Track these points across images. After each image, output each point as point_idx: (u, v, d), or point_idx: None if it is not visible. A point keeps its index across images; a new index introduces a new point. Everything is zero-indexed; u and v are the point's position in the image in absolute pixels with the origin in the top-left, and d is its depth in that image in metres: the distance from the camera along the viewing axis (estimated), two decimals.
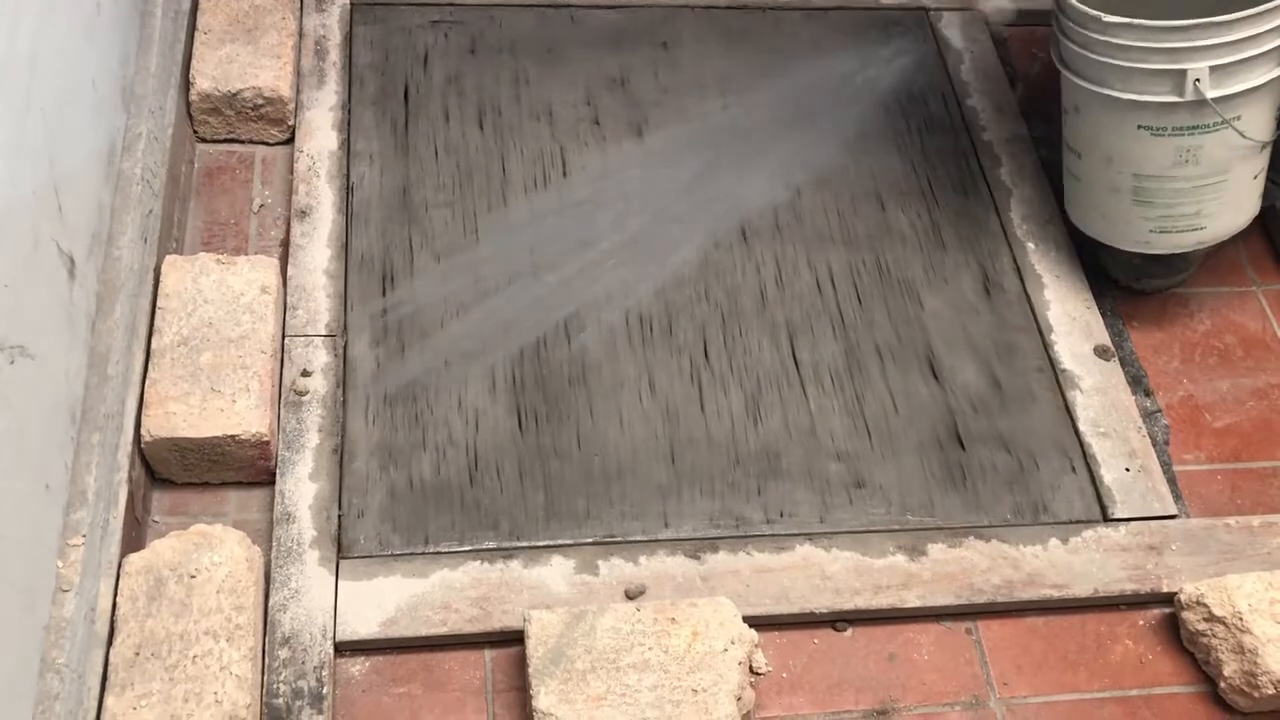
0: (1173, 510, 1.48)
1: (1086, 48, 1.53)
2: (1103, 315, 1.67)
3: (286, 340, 1.50)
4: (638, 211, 1.70)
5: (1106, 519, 1.47)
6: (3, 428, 1.07)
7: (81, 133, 1.36)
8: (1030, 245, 1.72)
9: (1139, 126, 1.54)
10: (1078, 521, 1.47)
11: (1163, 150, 1.54)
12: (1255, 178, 1.59)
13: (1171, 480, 1.53)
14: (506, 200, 1.69)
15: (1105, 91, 1.53)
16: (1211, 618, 1.34)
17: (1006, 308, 1.66)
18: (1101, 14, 1.51)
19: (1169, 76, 1.49)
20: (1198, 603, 1.36)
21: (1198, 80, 1.47)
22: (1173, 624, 1.40)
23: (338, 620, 1.29)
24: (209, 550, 1.27)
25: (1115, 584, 1.41)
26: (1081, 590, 1.40)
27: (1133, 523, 1.47)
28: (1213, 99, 1.48)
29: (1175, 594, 1.40)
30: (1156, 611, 1.42)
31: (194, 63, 1.70)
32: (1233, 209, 1.60)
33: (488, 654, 1.32)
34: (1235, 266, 1.77)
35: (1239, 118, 1.51)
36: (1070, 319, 1.65)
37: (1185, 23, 1.46)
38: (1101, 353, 1.62)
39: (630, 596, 1.34)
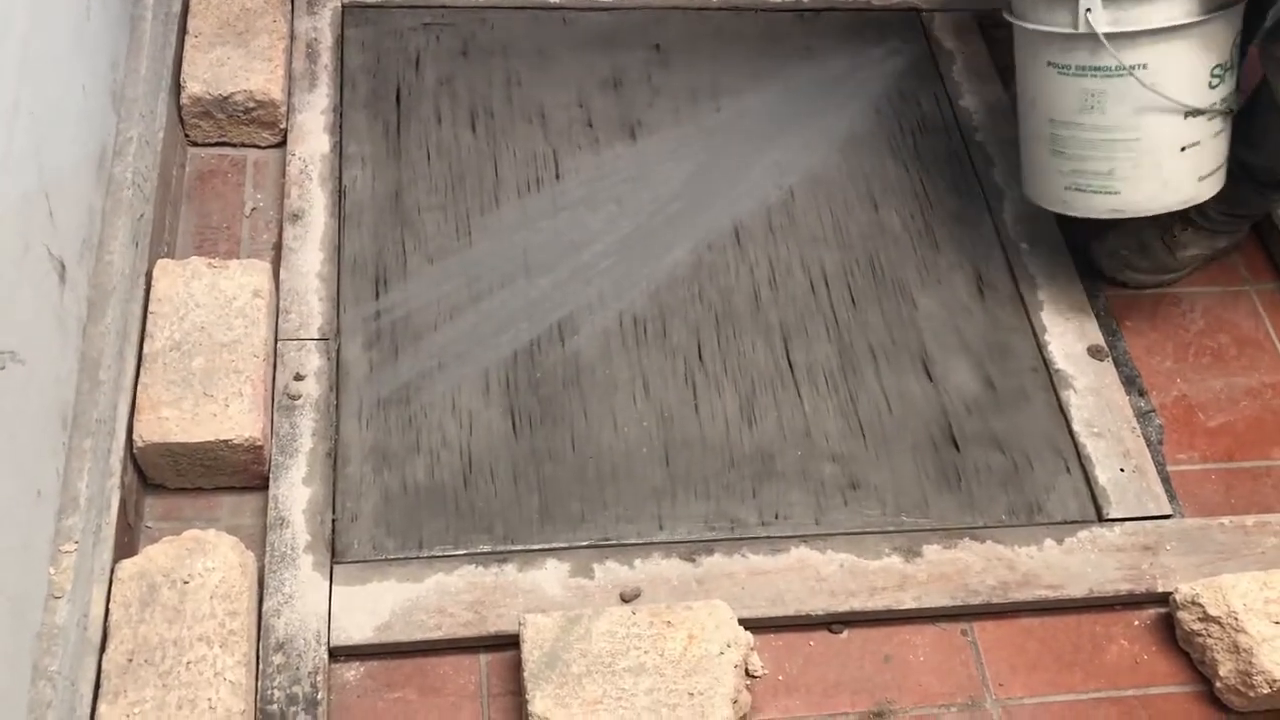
0: (1167, 510, 1.48)
1: None
2: (1096, 316, 1.67)
3: (279, 344, 1.49)
4: (631, 213, 1.70)
5: (1101, 519, 1.47)
6: None
7: (71, 137, 1.35)
8: (1023, 246, 1.73)
9: (1048, 63, 1.50)
10: (1072, 522, 1.47)
11: (1069, 92, 1.49)
12: (1184, 150, 1.49)
13: (1166, 480, 1.53)
14: (499, 202, 1.69)
15: (1021, 24, 1.52)
16: (1206, 617, 1.34)
17: (1000, 308, 1.66)
18: None
19: (1066, 6, 1.44)
20: (1193, 603, 1.36)
21: (1089, 11, 1.42)
22: (1168, 624, 1.41)
23: (332, 625, 1.29)
24: (202, 556, 1.27)
25: (1110, 584, 1.41)
26: (1077, 591, 1.40)
27: (1127, 523, 1.47)
28: (1106, 34, 1.42)
29: (1170, 594, 1.40)
30: (1152, 611, 1.42)
31: (185, 66, 1.69)
32: (1153, 180, 1.51)
33: (483, 658, 1.31)
34: (1228, 266, 1.78)
35: (1144, 66, 1.44)
36: (1064, 319, 1.65)
37: None
38: (1095, 353, 1.62)
39: (625, 600, 1.34)
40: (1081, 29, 1.44)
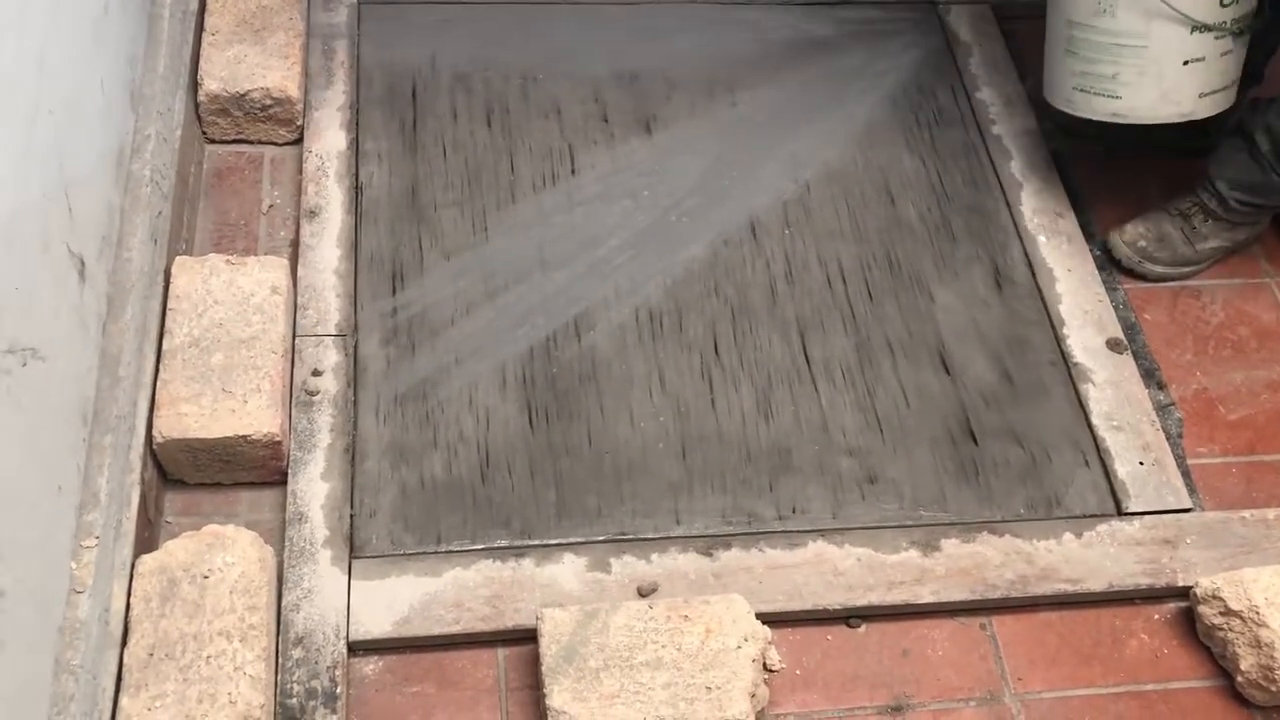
0: (1187, 504, 1.47)
1: None
2: (1115, 309, 1.66)
3: (297, 340, 1.50)
4: (646, 208, 1.70)
5: (1120, 513, 1.46)
6: (15, 430, 1.07)
7: (90, 135, 1.36)
8: (1041, 239, 1.72)
9: None
10: (1091, 516, 1.46)
11: None
12: (1187, 64, 1.53)
13: (1186, 474, 1.52)
14: (515, 198, 1.69)
15: None
16: (1228, 611, 1.34)
17: (1018, 301, 1.65)
18: None
19: None
20: (1213, 596, 1.35)
21: None
22: (1188, 618, 1.40)
23: (350, 620, 1.29)
24: (221, 550, 1.27)
25: (1130, 578, 1.40)
26: (1096, 585, 1.39)
27: (1147, 516, 1.46)
28: None
29: (1190, 588, 1.39)
30: (1172, 605, 1.41)
31: (202, 64, 1.70)
32: (1155, 89, 1.55)
33: (500, 652, 1.31)
34: (1248, 258, 1.76)
35: None
36: (1082, 312, 1.64)
37: None
38: (1114, 346, 1.61)
39: (643, 594, 1.34)
40: None
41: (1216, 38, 1.52)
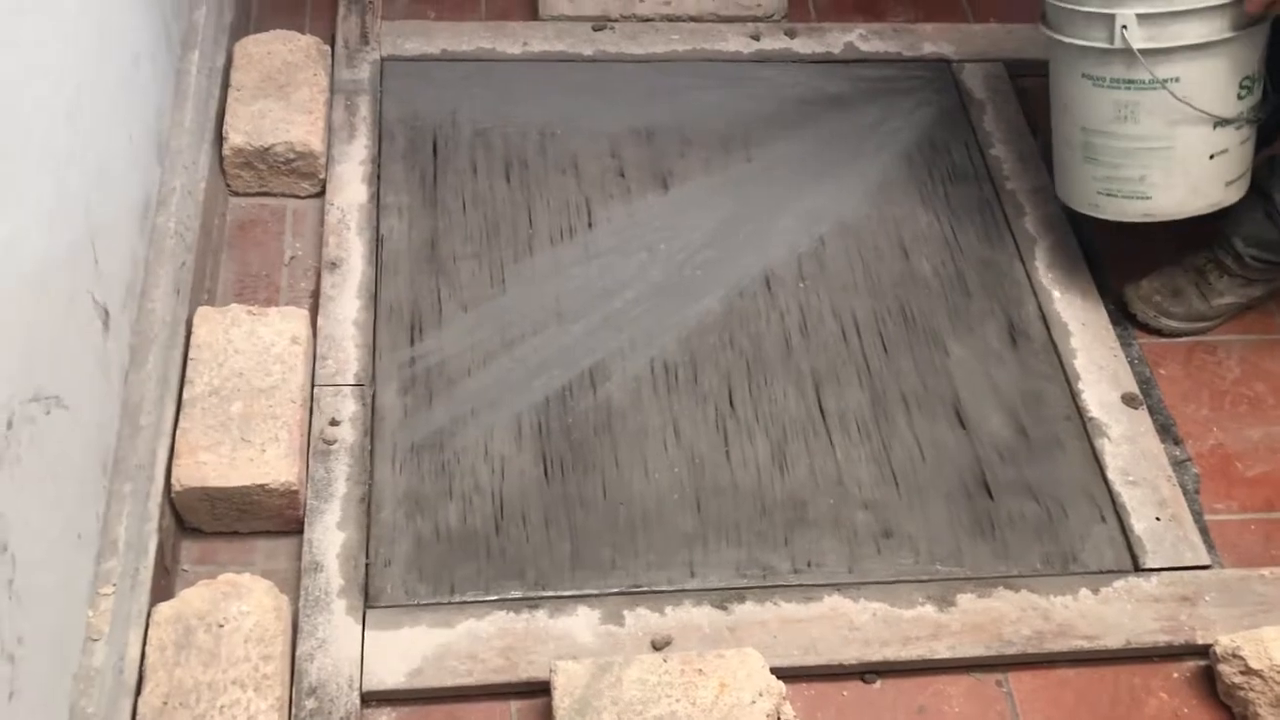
0: (1205, 560, 1.46)
1: None
2: (1130, 363, 1.66)
3: (316, 390, 1.51)
4: (662, 261, 1.72)
5: (1138, 569, 1.45)
6: (38, 478, 1.08)
7: (118, 187, 1.39)
8: (1055, 293, 1.72)
9: (1083, 75, 1.55)
10: (1108, 571, 1.45)
11: (1103, 102, 1.55)
12: (1212, 158, 1.55)
13: (1203, 530, 1.51)
14: (533, 251, 1.71)
15: (1057, 36, 1.57)
16: (1248, 670, 1.32)
17: (1032, 356, 1.66)
18: None
19: (1103, 21, 1.50)
20: (1234, 655, 1.34)
21: (1124, 28, 1.47)
22: (1208, 676, 1.38)
23: (364, 670, 1.29)
24: (237, 599, 1.28)
25: (1148, 635, 1.39)
26: (1114, 641, 1.38)
27: (1165, 573, 1.45)
28: (1141, 50, 1.47)
29: (1210, 646, 1.37)
30: (1191, 664, 1.40)
31: (227, 118, 1.74)
32: (1184, 186, 1.56)
33: (514, 705, 1.31)
34: (1264, 314, 1.76)
35: (1176, 79, 1.49)
36: (1097, 367, 1.64)
37: None
38: (1130, 401, 1.61)
39: (656, 647, 1.33)
40: (1117, 45, 1.49)
41: (1236, 128, 1.54)
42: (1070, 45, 1.55)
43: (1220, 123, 1.53)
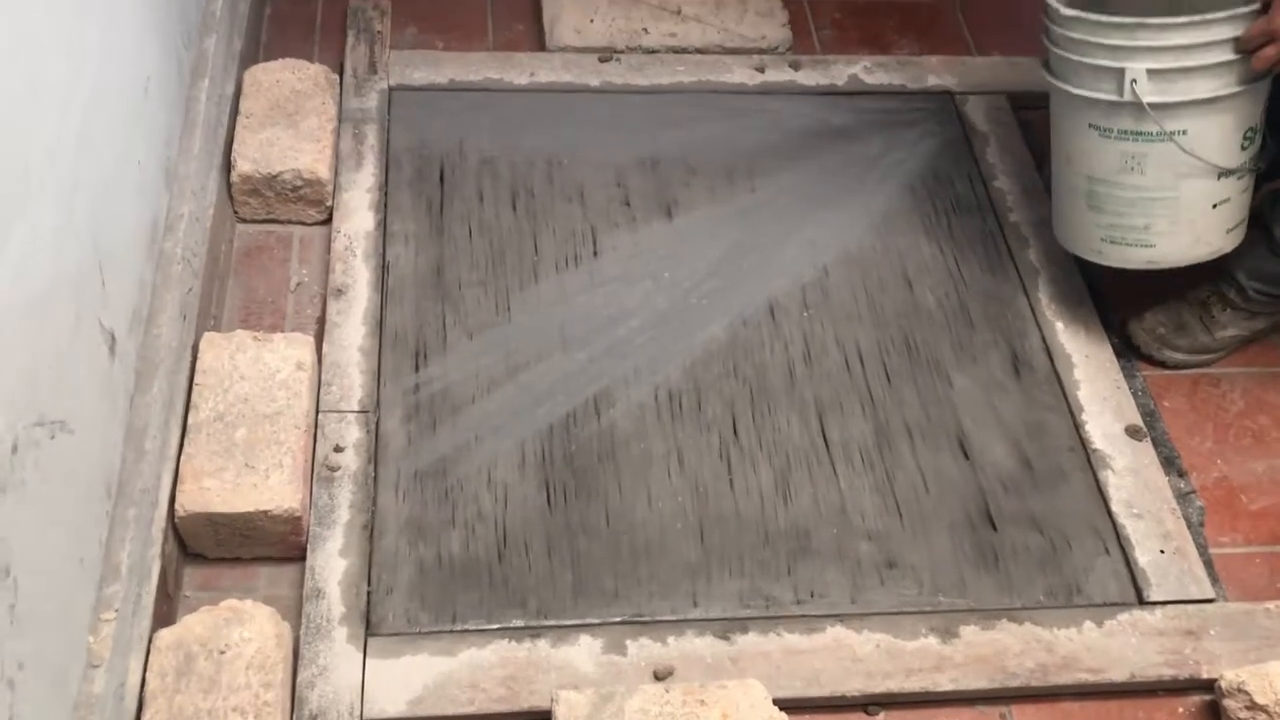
0: (1210, 594, 1.46)
1: (1053, 42, 1.57)
2: (1134, 396, 1.66)
3: (320, 416, 1.51)
4: (667, 289, 1.72)
5: (1142, 602, 1.45)
6: (42, 503, 1.08)
7: (126, 213, 1.40)
8: (1059, 325, 1.73)
9: (1089, 125, 1.55)
10: (1112, 604, 1.44)
11: (1110, 153, 1.54)
12: (1215, 207, 1.56)
13: (1208, 563, 1.50)
14: (538, 278, 1.72)
15: (1063, 86, 1.57)
16: (1254, 705, 1.31)
17: (1036, 387, 1.66)
18: (1060, 6, 1.54)
19: (1112, 75, 1.50)
20: (1239, 690, 1.33)
21: (1134, 81, 1.47)
22: (1214, 711, 1.37)
23: (365, 698, 1.28)
24: (239, 626, 1.27)
25: (1153, 669, 1.38)
26: (1118, 675, 1.37)
27: (1169, 606, 1.44)
28: (1150, 104, 1.48)
29: (1215, 680, 1.37)
30: (1196, 698, 1.39)
31: (236, 145, 1.75)
32: (1188, 235, 1.57)
33: None
34: (1267, 347, 1.76)
35: (1184, 132, 1.50)
36: (1101, 399, 1.64)
37: (1125, 20, 1.48)
38: (1133, 433, 1.61)
39: (659, 677, 1.33)
40: (1127, 98, 1.49)
41: (1239, 178, 1.56)
42: (1077, 96, 1.55)
43: (1224, 173, 1.54)
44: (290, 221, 1.77)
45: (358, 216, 1.75)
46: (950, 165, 1.94)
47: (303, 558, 1.40)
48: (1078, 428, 1.61)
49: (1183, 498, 1.57)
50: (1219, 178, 1.54)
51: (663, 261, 1.76)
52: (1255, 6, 1.46)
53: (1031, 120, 2.01)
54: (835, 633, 1.38)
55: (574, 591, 1.40)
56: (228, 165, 1.74)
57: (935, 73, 2.07)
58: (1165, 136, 1.50)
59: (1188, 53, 1.46)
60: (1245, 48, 1.46)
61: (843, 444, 1.57)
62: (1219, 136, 1.52)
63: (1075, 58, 1.54)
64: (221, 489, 1.37)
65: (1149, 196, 1.55)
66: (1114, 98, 1.51)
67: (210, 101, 1.74)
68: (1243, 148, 1.54)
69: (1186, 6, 1.48)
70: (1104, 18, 1.50)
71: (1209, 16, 1.45)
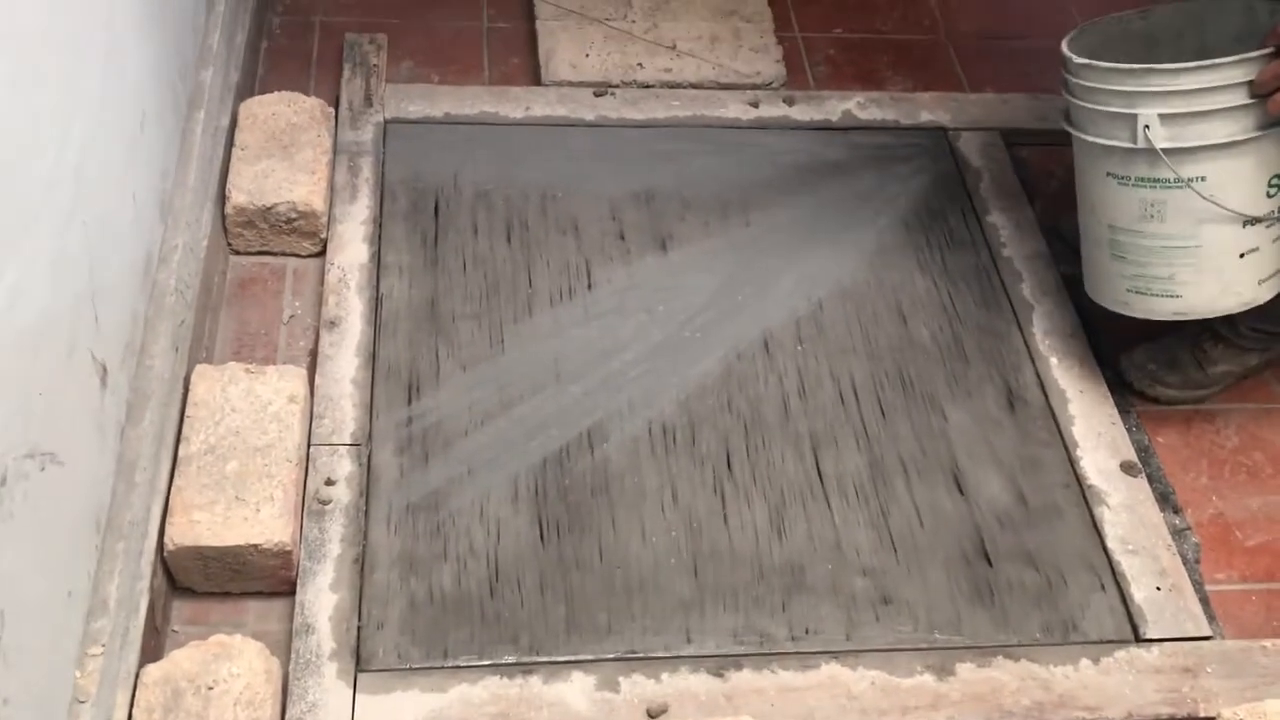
0: (1206, 631, 1.45)
1: (1069, 91, 1.57)
2: (1128, 431, 1.66)
3: (312, 449, 1.50)
4: (661, 323, 1.72)
5: (1138, 639, 1.44)
6: (31, 535, 1.07)
7: (120, 245, 1.39)
8: (1053, 360, 1.73)
9: (1108, 174, 1.54)
10: (1109, 641, 1.44)
11: (1129, 201, 1.53)
12: (1243, 256, 1.52)
13: (1204, 600, 1.50)
14: (532, 311, 1.72)
15: (1082, 135, 1.56)
16: None
17: (1030, 422, 1.65)
18: (1073, 55, 1.54)
19: (1125, 121, 1.49)
20: None
21: (1147, 127, 1.47)
22: None
23: None
24: (227, 661, 1.26)
25: (1150, 707, 1.37)
26: (1115, 713, 1.36)
27: (1166, 643, 1.43)
28: (1165, 149, 1.46)
29: (1213, 718, 1.36)
30: None
31: (231, 177, 1.75)
32: (1215, 285, 1.54)
33: None
34: (1261, 383, 1.77)
35: (1202, 178, 1.48)
36: (1096, 434, 1.64)
37: (1135, 66, 1.47)
38: (1128, 469, 1.60)
39: (652, 715, 1.31)
40: (1141, 144, 1.48)
41: (1267, 226, 1.52)
42: (1094, 144, 1.54)
43: (1250, 221, 1.50)
44: (284, 254, 1.77)
45: (352, 249, 1.75)
46: (944, 200, 1.95)
47: (293, 592, 1.38)
48: (1073, 463, 1.61)
49: (1178, 534, 1.56)
50: (1245, 225, 1.50)
51: (657, 295, 1.76)
52: (1269, 50, 1.43)
53: (1024, 156, 2.03)
54: (830, 670, 1.37)
55: (566, 627, 1.39)
56: (222, 197, 1.74)
57: (929, 109, 2.08)
58: (1183, 183, 1.48)
59: (1199, 97, 1.45)
60: (1259, 92, 1.44)
61: (837, 478, 1.57)
62: (1241, 183, 1.49)
63: (1090, 105, 1.53)
64: (211, 522, 1.36)
65: (1172, 245, 1.52)
66: (1129, 144, 1.49)
67: (206, 134, 1.74)
68: (1269, 195, 1.50)
69: (1218, 54, 1.46)
70: (1115, 65, 1.49)
71: (1219, 61, 1.44)
